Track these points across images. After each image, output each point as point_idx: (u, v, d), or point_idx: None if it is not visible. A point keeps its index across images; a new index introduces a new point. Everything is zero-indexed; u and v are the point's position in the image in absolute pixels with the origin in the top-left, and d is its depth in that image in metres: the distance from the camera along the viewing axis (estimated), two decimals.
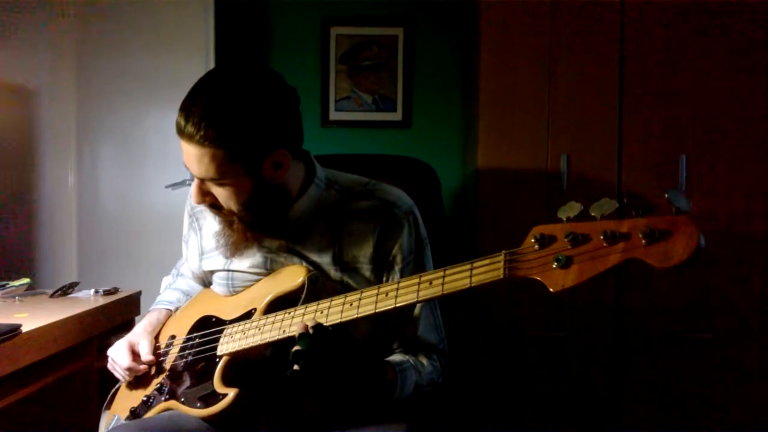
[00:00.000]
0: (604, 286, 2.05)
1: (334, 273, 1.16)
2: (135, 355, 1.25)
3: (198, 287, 1.40)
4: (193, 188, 1.13)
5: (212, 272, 1.27)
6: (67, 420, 1.71)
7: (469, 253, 2.16)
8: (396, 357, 1.17)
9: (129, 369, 1.23)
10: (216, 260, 1.24)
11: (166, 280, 1.55)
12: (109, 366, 1.29)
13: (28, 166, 2.66)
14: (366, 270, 1.16)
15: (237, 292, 1.23)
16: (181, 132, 1.05)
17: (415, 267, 1.19)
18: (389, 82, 2.70)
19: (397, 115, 2.70)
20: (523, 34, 2.05)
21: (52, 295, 1.85)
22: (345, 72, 2.70)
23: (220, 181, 1.07)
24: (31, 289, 1.94)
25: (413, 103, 2.70)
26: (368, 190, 1.20)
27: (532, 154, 2.05)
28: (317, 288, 1.12)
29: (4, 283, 1.87)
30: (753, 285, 2.02)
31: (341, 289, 1.14)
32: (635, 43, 2.03)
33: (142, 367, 1.24)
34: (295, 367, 0.96)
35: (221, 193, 1.10)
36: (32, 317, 1.54)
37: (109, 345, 1.28)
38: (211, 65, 2.54)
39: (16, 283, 1.89)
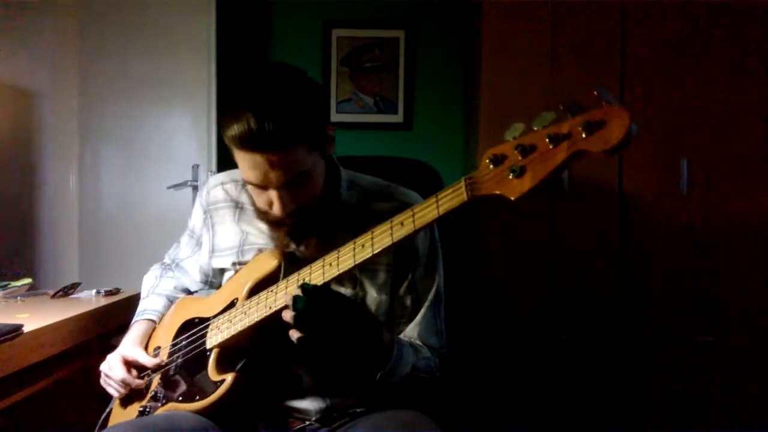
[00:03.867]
0: (604, 289, 2.05)
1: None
2: (129, 366, 1.22)
3: (183, 285, 1.38)
4: (276, 203, 1.06)
5: (222, 270, 1.26)
6: (68, 420, 1.70)
7: (471, 254, 2.17)
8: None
9: (123, 380, 1.20)
10: (227, 259, 1.23)
11: (149, 279, 1.46)
12: (102, 381, 1.24)
13: (30, 167, 2.67)
14: (382, 273, 1.15)
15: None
16: (255, 143, 0.98)
17: (426, 268, 1.19)
18: (390, 85, 2.70)
19: (398, 117, 2.71)
20: (525, 36, 2.06)
21: (53, 296, 1.85)
22: (346, 74, 2.70)
23: (305, 175, 1.05)
24: (32, 290, 1.94)
25: (414, 105, 2.71)
26: (387, 193, 1.21)
27: None
28: (294, 266, 1.10)
29: (5, 283, 1.87)
30: (754, 288, 2.02)
31: (358, 290, 1.14)
32: (636, 44, 2.04)
33: (137, 382, 1.20)
34: (296, 335, 0.94)
35: (304, 189, 1.07)
36: (34, 318, 1.53)
37: (111, 345, 1.27)
38: (213, 67, 2.55)
39: (18, 283, 1.89)
